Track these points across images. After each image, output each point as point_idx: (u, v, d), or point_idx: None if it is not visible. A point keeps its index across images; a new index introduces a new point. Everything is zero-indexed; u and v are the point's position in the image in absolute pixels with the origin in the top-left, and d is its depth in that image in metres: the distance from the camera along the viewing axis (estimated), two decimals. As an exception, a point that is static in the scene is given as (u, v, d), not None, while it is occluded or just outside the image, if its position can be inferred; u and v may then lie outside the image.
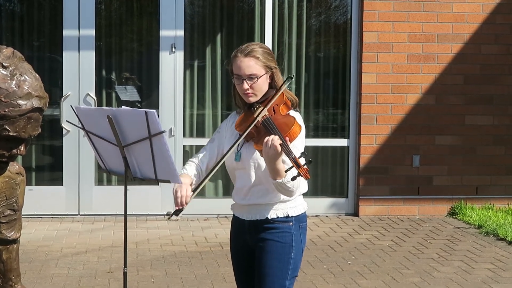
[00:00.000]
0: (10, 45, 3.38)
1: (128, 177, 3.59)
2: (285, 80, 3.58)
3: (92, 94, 8.31)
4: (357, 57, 8.65)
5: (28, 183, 7.80)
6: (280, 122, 3.45)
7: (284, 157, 3.34)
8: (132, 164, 3.56)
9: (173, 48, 8.35)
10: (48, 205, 8.30)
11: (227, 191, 8.57)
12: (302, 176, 3.26)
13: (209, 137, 8.47)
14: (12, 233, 3.37)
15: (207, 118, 8.70)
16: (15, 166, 3.37)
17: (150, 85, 8.64)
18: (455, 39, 8.64)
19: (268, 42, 8.47)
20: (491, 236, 7.72)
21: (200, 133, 8.67)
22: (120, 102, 8.52)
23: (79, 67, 8.29)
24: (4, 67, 3.13)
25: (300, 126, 3.46)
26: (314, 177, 8.69)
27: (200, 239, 7.47)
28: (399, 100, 8.60)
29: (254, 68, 3.53)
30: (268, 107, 3.51)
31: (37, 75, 3.24)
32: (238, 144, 3.54)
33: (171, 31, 8.36)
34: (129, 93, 8.66)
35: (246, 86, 3.54)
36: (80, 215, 8.39)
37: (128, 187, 3.66)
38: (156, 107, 8.34)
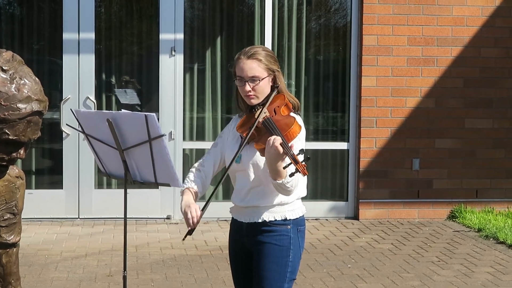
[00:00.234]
0: (10, 48, 3.38)
1: (128, 181, 3.59)
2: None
3: (92, 97, 8.30)
4: (357, 60, 8.65)
5: (28, 186, 7.80)
6: (281, 123, 3.48)
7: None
8: (132, 167, 3.56)
9: (173, 51, 8.35)
10: (48, 208, 8.29)
11: (227, 195, 8.56)
12: (300, 172, 3.28)
13: (209, 140, 8.49)
14: (12, 236, 3.37)
15: (207, 122, 8.70)
16: (14, 170, 3.36)
17: (150, 88, 8.64)
18: (455, 42, 8.65)
19: (268, 45, 8.46)
20: (491, 239, 7.72)
21: (200, 137, 8.67)
22: (120, 106, 8.51)
23: (79, 70, 8.28)
24: (3, 70, 3.12)
25: (299, 126, 3.48)
26: (314, 180, 8.69)
27: (200, 243, 7.46)
28: (398, 103, 8.60)
29: (257, 70, 3.57)
30: (267, 105, 3.55)
31: (36, 78, 3.24)
32: (240, 146, 3.56)
33: (171, 34, 8.36)
34: (129, 96, 8.65)
35: (248, 88, 3.57)
36: (80, 218, 8.38)
37: (128, 190, 3.66)
38: (156, 110, 8.33)
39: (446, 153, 8.71)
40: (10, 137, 3.12)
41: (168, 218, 8.44)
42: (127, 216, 3.69)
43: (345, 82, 8.78)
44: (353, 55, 8.68)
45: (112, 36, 8.65)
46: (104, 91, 8.55)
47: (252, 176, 3.58)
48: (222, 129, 8.39)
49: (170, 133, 8.34)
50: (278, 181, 3.39)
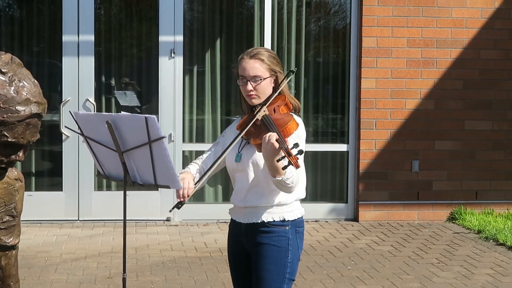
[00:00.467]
0: (9, 51, 3.39)
1: (127, 183, 3.58)
2: (288, 72, 3.65)
3: (92, 99, 8.31)
4: (356, 62, 8.65)
5: (28, 188, 7.80)
6: (279, 121, 3.50)
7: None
8: (132, 169, 3.56)
9: (172, 53, 8.36)
10: (47, 210, 8.29)
11: (227, 197, 8.57)
12: (292, 164, 3.29)
13: (209, 142, 8.49)
14: (11, 239, 3.36)
15: (207, 123, 8.70)
16: (14, 172, 3.36)
17: (150, 90, 8.64)
18: (454, 44, 8.65)
19: (267, 47, 8.46)
20: (491, 241, 7.72)
21: (200, 138, 8.67)
22: (120, 108, 8.52)
23: (79, 72, 8.29)
24: (2, 73, 3.12)
25: (297, 124, 3.50)
26: (313, 182, 8.69)
27: (199, 245, 7.46)
28: (398, 105, 8.61)
29: (259, 70, 3.59)
30: (268, 104, 3.57)
31: (35, 81, 3.24)
32: (240, 145, 3.60)
33: (171, 36, 8.36)
34: (128, 98, 8.66)
35: (249, 87, 3.59)
36: (80, 220, 8.38)
37: (128, 192, 3.66)
38: (156, 112, 8.34)
39: (446, 155, 8.71)
40: (9, 140, 3.12)
41: (167, 220, 8.44)
42: (127, 218, 3.68)
43: (345, 84, 8.78)
44: (352, 57, 8.68)
45: (111, 38, 8.65)
46: (103, 93, 8.56)
47: (251, 176, 3.60)
48: (221, 131, 8.42)
49: (170, 135, 8.34)
50: (278, 178, 3.41)
